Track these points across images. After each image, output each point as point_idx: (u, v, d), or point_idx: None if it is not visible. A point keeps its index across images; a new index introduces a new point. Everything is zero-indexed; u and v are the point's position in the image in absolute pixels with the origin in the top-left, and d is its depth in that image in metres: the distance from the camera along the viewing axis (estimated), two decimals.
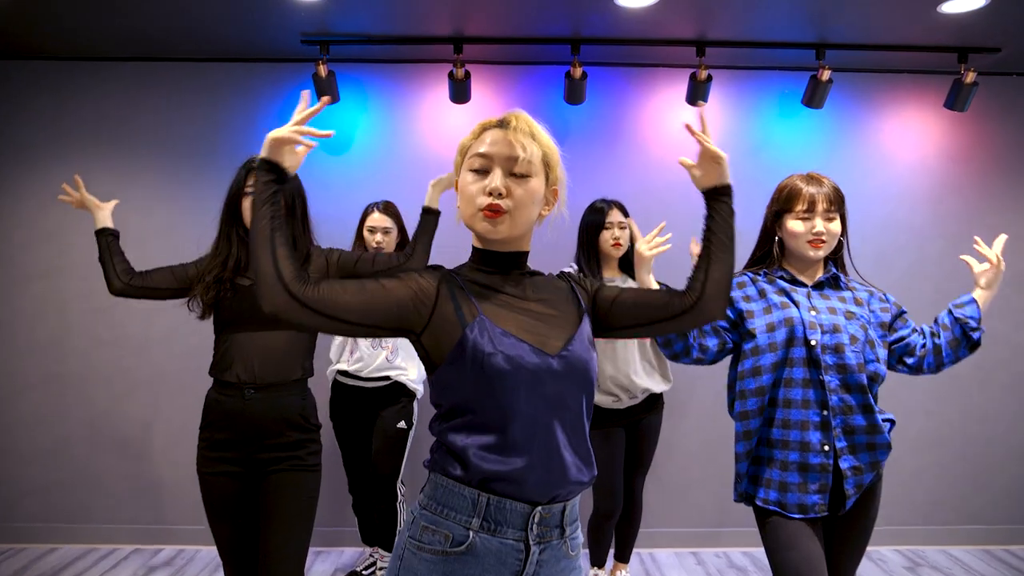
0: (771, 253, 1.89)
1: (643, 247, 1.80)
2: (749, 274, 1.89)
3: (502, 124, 1.21)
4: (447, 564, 1.13)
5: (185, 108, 3.43)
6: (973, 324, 1.79)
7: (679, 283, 1.30)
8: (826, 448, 1.71)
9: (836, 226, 1.80)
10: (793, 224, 1.80)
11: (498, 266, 1.24)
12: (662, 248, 1.81)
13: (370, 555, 3.13)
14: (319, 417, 2.07)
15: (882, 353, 1.79)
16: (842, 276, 1.88)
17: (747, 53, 3.29)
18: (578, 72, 3.17)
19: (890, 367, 1.85)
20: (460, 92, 3.24)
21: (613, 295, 1.30)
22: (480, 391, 1.12)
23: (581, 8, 2.87)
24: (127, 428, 3.45)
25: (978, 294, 1.83)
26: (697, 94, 3.21)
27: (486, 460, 1.12)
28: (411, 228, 2.87)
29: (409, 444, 2.88)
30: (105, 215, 2.14)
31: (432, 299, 1.17)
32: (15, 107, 3.43)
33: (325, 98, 1.26)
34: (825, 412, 1.72)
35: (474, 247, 1.26)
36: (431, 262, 1.81)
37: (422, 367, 2.89)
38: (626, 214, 2.70)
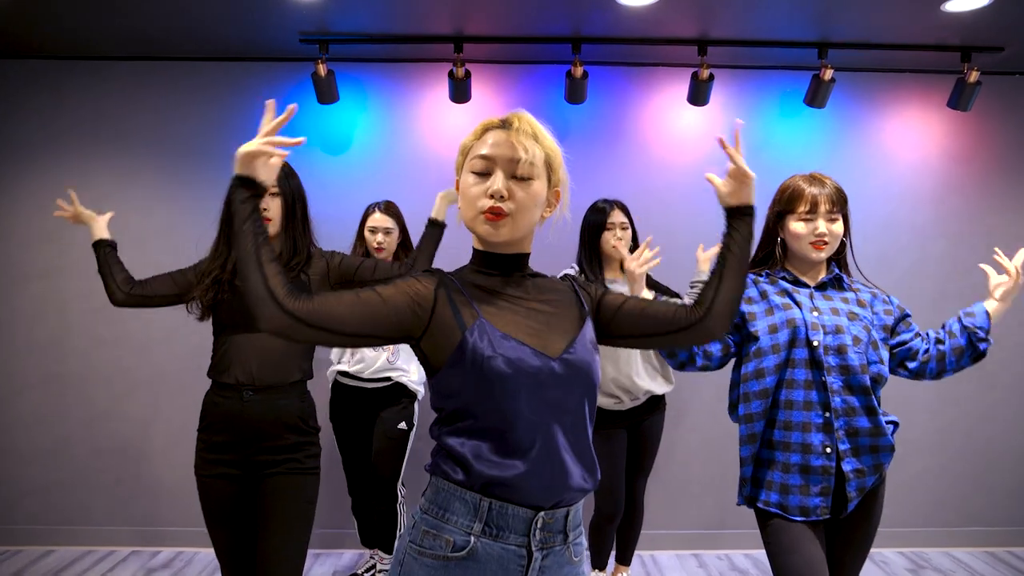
0: (773, 254, 1.88)
1: (632, 265, 1.81)
2: (751, 275, 1.87)
3: (504, 125, 1.19)
4: (448, 569, 1.11)
5: (184, 107, 3.42)
6: (981, 335, 1.77)
7: (679, 284, 1.29)
8: (828, 450, 1.70)
9: (839, 227, 1.78)
10: (795, 225, 1.79)
11: (499, 268, 1.22)
12: (651, 264, 1.82)
13: (370, 557, 3.11)
14: (318, 420, 2.06)
15: (885, 355, 1.77)
16: (845, 277, 1.87)
17: (749, 52, 3.27)
18: (579, 71, 3.15)
19: (891, 371, 1.83)
20: (460, 91, 3.22)
21: (619, 302, 1.28)
22: (480, 395, 1.11)
23: (582, 7, 2.85)
24: (127, 429, 3.44)
25: (991, 305, 1.80)
26: (698, 93, 3.20)
27: (487, 464, 1.11)
28: (412, 228, 2.88)
29: (410, 445, 2.87)
30: (101, 226, 2.13)
31: (430, 303, 1.16)
32: (14, 106, 3.41)
33: (291, 106, 1.20)
34: (827, 414, 1.71)
35: (475, 249, 1.24)
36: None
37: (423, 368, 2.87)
38: (628, 214, 2.69)
